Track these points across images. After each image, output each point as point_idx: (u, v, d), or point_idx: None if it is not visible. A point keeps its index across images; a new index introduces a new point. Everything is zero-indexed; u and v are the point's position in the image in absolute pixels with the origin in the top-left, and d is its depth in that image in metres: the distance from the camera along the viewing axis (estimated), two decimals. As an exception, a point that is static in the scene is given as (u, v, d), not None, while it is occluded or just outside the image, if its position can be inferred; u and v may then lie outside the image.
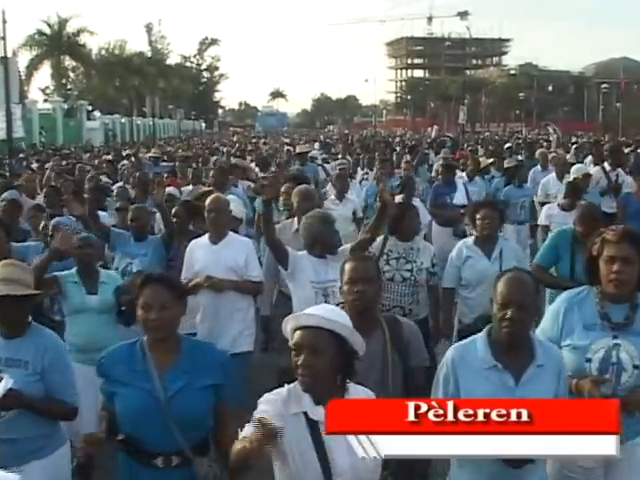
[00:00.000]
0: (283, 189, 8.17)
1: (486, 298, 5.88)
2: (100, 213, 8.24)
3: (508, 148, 21.82)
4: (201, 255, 6.61)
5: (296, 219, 7.17)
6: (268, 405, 3.20)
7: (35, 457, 4.22)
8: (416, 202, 10.14)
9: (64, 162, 20.06)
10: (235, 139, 51.79)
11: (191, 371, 3.71)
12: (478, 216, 6.94)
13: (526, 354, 3.63)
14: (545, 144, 27.82)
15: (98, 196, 9.21)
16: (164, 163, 18.30)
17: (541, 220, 9.76)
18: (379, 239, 6.83)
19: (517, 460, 3.29)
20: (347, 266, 4.20)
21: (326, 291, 5.79)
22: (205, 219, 6.80)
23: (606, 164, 12.23)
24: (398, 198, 9.78)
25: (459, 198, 11.45)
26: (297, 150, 15.98)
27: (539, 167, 14.24)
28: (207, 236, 6.72)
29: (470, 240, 7.14)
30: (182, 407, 3.64)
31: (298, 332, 3.22)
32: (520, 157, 18.00)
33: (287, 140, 41.21)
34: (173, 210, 7.80)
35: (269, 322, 7.74)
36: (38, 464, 4.21)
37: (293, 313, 5.56)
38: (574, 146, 23.19)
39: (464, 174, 12.78)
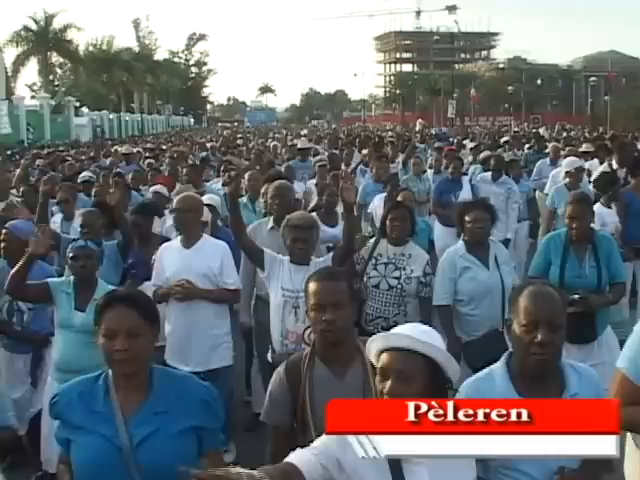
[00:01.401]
0: (263, 189, 7.76)
1: (492, 312, 5.88)
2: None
3: (506, 142, 21.21)
4: (172, 260, 6.04)
5: (271, 217, 6.81)
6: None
7: None
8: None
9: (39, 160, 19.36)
10: (225, 134, 51.68)
11: (165, 412, 3.05)
12: (468, 218, 6.10)
13: (555, 383, 3.13)
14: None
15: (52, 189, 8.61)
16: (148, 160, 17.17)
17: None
18: (371, 241, 6.51)
19: None
20: (311, 287, 3.50)
21: (297, 302, 5.21)
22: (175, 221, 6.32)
23: (614, 162, 11.76)
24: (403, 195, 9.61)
25: (465, 196, 10.69)
26: (299, 146, 15.57)
27: (547, 160, 13.83)
28: (178, 239, 6.21)
29: (461, 247, 6.17)
30: (151, 457, 2.99)
31: (385, 354, 2.78)
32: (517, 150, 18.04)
33: (277, 135, 41.17)
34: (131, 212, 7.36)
35: (249, 331, 7.02)
36: None
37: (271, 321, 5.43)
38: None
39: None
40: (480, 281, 5.95)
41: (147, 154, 19.60)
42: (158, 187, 9.88)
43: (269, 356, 5.41)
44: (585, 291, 5.63)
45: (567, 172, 10.11)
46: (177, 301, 5.92)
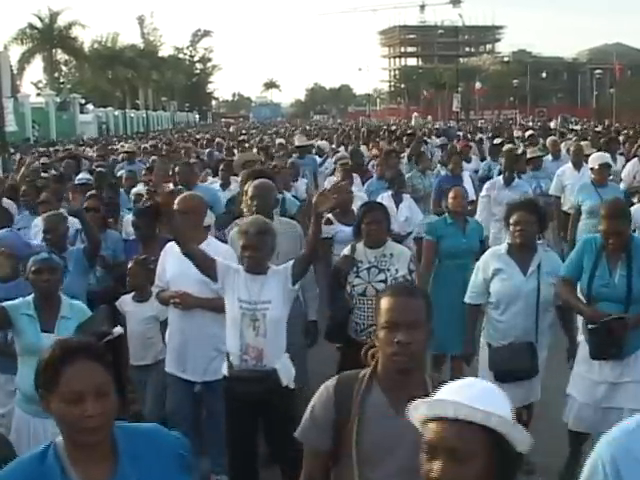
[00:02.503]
0: (245, 187, 6.88)
1: (521, 320, 5.55)
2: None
3: (531, 136, 19.38)
4: (173, 264, 5.61)
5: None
6: None
7: None
8: (407, 199, 9.69)
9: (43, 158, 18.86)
10: (231, 130, 51.72)
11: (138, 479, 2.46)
12: (511, 220, 5.65)
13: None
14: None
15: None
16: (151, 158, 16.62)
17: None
18: (347, 248, 6.11)
19: None
20: (384, 303, 2.95)
21: (255, 314, 4.88)
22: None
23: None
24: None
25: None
26: (297, 143, 15.34)
27: (549, 157, 13.09)
28: None
29: (503, 248, 5.78)
30: None
31: (432, 425, 2.14)
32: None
33: (282, 130, 41.16)
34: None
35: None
36: None
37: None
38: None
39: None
40: (511, 284, 5.56)
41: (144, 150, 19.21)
42: (142, 188, 9.29)
43: (225, 369, 5.03)
44: (613, 303, 5.18)
45: (591, 168, 9.41)
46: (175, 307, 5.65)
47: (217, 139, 25.98)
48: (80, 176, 11.63)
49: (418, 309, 2.95)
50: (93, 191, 9.23)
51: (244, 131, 43.52)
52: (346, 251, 6.05)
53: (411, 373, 2.92)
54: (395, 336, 2.85)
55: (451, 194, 7.37)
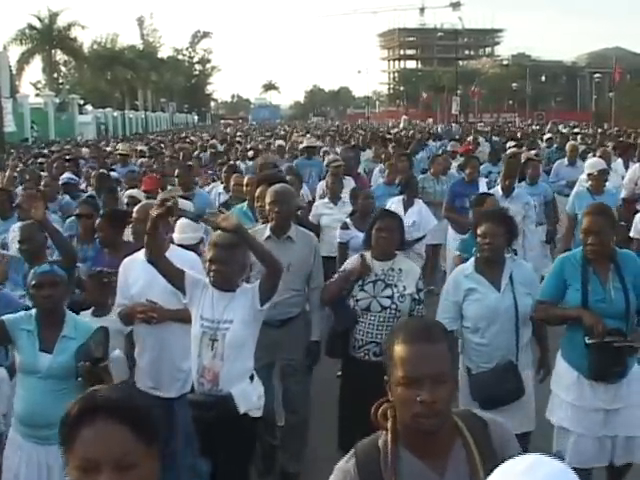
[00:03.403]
0: (257, 193, 6.68)
1: (503, 340, 5.11)
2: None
3: (548, 139, 19.00)
4: (136, 276, 5.24)
5: (268, 226, 5.92)
6: None
7: None
8: (418, 204, 9.47)
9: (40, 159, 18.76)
10: (229, 131, 51.69)
11: None
12: (479, 232, 5.21)
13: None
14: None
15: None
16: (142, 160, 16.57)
17: None
18: (354, 257, 5.76)
19: None
20: (400, 352, 2.41)
21: (215, 334, 4.57)
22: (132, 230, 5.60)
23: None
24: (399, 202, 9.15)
25: None
26: (304, 144, 15.14)
27: (565, 161, 12.68)
28: (143, 251, 5.16)
29: (469, 266, 5.31)
30: None
31: None
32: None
33: (282, 132, 41.14)
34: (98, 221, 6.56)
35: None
36: None
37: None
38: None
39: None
40: (486, 305, 5.10)
41: (141, 153, 18.80)
42: (134, 191, 8.73)
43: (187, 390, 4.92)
44: (611, 319, 4.76)
45: (589, 175, 9.02)
46: (144, 322, 5.25)
47: (211, 141, 25.81)
48: (64, 176, 11.39)
49: (442, 358, 2.40)
50: (89, 194, 9.21)
51: (239, 133, 43.47)
52: (355, 262, 5.64)
53: (439, 430, 2.39)
54: (417, 394, 2.33)
55: (488, 203, 6.92)
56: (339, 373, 5.96)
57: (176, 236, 6.04)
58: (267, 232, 5.84)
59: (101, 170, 12.27)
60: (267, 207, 5.86)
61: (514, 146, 15.42)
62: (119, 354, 5.12)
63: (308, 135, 22.45)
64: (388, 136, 26.64)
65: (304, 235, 6.00)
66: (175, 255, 5.03)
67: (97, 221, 6.60)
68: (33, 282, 4.50)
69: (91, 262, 6.67)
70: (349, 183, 10.36)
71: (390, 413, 2.46)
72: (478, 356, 5.19)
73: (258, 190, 6.65)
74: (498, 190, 8.90)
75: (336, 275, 5.79)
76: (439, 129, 43.86)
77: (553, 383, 5.14)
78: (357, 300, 5.46)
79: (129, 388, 2.21)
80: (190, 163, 13.28)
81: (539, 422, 5.27)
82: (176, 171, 10.02)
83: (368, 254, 5.57)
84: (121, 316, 5.33)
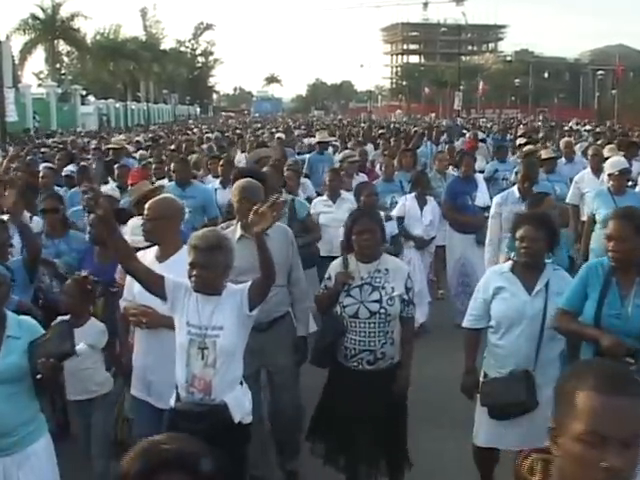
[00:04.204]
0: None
1: (523, 347, 4.75)
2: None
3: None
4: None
5: (239, 224, 5.55)
6: None
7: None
8: (431, 201, 9.27)
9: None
10: (230, 123, 51.73)
11: None
12: (517, 235, 4.92)
13: None
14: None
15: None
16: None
17: None
18: (336, 261, 5.38)
19: None
20: (587, 401, 1.94)
21: (204, 342, 4.31)
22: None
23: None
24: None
25: (481, 198, 9.41)
26: (317, 139, 14.87)
27: (563, 159, 12.16)
28: (156, 249, 5.06)
29: (506, 266, 5.04)
30: None
31: None
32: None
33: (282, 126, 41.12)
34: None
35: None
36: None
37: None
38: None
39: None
40: (513, 305, 4.81)
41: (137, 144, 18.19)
42: (108, 187, 8.42)
43: (172, 402, 4.50)
44: (625, 338, 4.32)
45: (610, 175, 8.38)
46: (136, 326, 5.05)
47: (210, 134, 25.59)
48: (66, 168, 11.27)
49: (638, 417, 1.92)
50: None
51: (239, 125, 43.47)
52: (338, 267, 5.27)
53: None
54: (602, 457, 1.87)
55: (546, 204, 6.57)
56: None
57: (127, 238, 5.47)
58: (238, 232, 5.47)
59: (82, 163, 11.90)
60: (236, 204, 5.56)
61: (526, 143, 14.71)
62: (85, 347, 4.84)
63: (322, 130, 22.02)
64: (381, 131, 26.45)
65: (278, 228, 5.43)
66: (183, 259, 4.59)
67: (91, 217, 6.26)
68: None
69: (77, 256, 6.51)
70: (363, 180, 10.07)
71: (540, 468, 2.08)
72: (495, 359, 4.92)
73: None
74: (514, 192, 8.18)
75: (322, 284, 5.41)
76: (444, 123, 43.68)
77: None
78: (344, 307, 5.12)
79: (187, 438, 1.88)
80: (190, 156, 13.01)
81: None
82: (172, 165, 9.51)
83: (352, 258, 5.22)
84: (124, 312, 5.17)
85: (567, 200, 9.70)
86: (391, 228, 7.79)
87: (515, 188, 8.22)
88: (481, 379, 5.02)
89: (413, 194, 9.24)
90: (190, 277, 4.32)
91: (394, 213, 8.92)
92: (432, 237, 8.91)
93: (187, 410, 4.35)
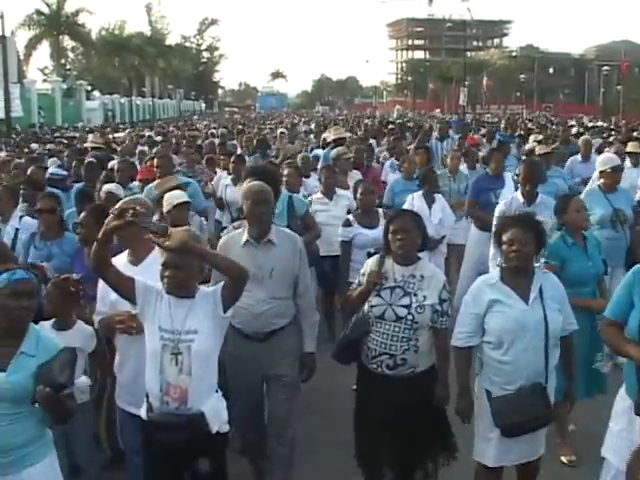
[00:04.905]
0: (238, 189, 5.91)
1: (531, 359, 4.51)
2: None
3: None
4: None
5: (247, 228, 5.24)
6: None
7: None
8: (440, 199, 8.96)
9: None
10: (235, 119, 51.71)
11: None
12: (504, 238, 4.63)
13: None
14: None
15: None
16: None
17: None
18: (373, 258, 5.16)
19: None
20: None
21: (178, 347, 4.08)
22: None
23: None
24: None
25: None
26: (333, 136, 14.19)
27: (579, 157, 11.99)
28: (126, 253, 4.88)
29: (494, 275, 4.77)
30: None
31: None
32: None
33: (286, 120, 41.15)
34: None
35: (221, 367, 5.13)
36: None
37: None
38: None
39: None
40: (512, 317, 4.52)
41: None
42: (112, 186, 7.88)
43: (143, 413, 4.27)
44: None
45: (601, 172, 8.10)
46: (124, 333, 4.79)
47: (221, 130, 25.30)
48: (50, 169, 10.62)
49: None
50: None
51: (241, 120, 43.48)
52: (373, 265, 5.06)
53: None
54: None
55: (573, 206, 6.10)
56: (354, 387, 5.38)
57: None
58: (245, 237, 5.18)
59: (90, 159, 11.17)
60: (245, 208, 5.20)
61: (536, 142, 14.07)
62: (85, 380, 4.55)
63: (336, 126, 21.62)
64: (390, 126, 25.99)
65: (286, 236, 5.31)
66: (157, 262, 4.42)
67: (81, 216, 6.12)
68: (7, 291, 3.76)
69: (69, 259, 6.22)
70: (357, 178, 9.81)
71: None
72: (500, 376, 4.60)
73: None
74: (518, 196, 7.69)
75: (357, 279, 5.22)
76: (453, 118, 43.43)
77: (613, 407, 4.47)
78: (372, 306, 4.94)
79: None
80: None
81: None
82: (155, 161, 8.96)
83: (389, 259, 5.00)
84: (101, 326, 4.91)
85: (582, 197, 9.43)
86: None
87: (519, 193, 7.76)
88: (482, 397, 4.72)
89: (420, 192, 8.94)
90: (162, 278, 4.15)
91: None
92: (442, 236, 8.64)
93: (162, 421, 4.14)
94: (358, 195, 7.77)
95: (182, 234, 4.14)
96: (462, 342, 4.71)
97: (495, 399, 4.59)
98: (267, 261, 5.08)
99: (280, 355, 5.20)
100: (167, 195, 6.79)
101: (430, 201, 8.85)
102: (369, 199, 7.63)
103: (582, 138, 13.66)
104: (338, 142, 12.99)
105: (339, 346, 5.20)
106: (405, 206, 8.62)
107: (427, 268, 5.01)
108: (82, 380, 4.24)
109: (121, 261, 4.67)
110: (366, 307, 5.00)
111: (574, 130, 21.98)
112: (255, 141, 16.03)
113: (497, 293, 4.60)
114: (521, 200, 7.59)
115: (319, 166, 10.68)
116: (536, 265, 4.73)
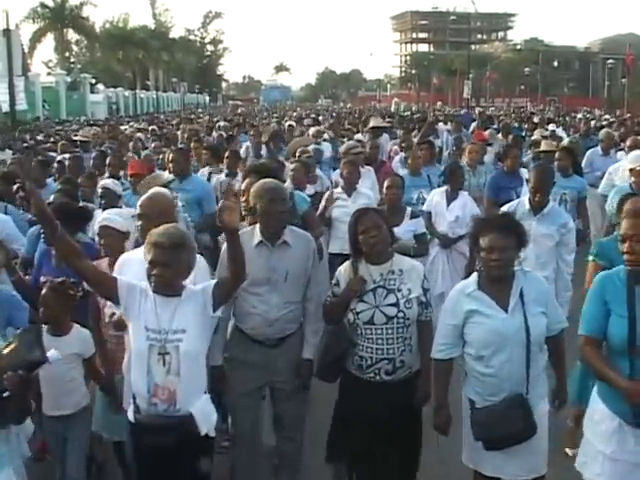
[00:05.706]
0: (244, 186, 5.68)
1: (513, 370, 4.26)
2: None
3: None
4: (134, 275, 4.35)
5: (258, 227, 4.95)
6: None
7: None
8: (463, 196, 8.43)
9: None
10: (239, 112, 51.62)
11: None
12: (482, 244, 4.29)
13: None
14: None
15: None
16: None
17: None
18: (344, 266, 4.89)
19: None
20: None
21: (165, 347, 3.97)
22: None
23: None
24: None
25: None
26: (372, 124, 14.04)
27: (599, 150, 11.66)
28: (142, 249, 4.46)
29: (472, 283, 4.42)
30: None
31: None
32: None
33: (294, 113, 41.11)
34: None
35: (221, 375, 5.06)
36: None
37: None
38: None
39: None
40: (491, 329, 4.26)
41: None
42: (109, 182, 7.55)
43: (130, 415, 4.18)
44: None
45: (631, 170, 7.74)
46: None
47: (223, 123, 24.80)
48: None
49: None
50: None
51: (240, 113, 43.39)
52: (346, 272, 4.81)
53: None
54: None
55: (629, 205, 5.15)
56: None
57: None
58: (257, 237, 4.91)
59: (76, 154, 11.17)
60: (260, 207, 4.87)
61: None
62: (57, 354, 4.29)
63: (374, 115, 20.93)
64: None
65: (300, 237, 5.07)
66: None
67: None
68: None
69: (38, 264, 5.91)
70: (369, 174, 9.61)
71: None
72: (483, 388, 4.37)
73: (245, 183, 5.75)
74: (524, 203, 6.76)
75: (329, 292, 4.96)
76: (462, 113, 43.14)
77: (587, 428, 4.19)
78: (357, 313, 4.68)
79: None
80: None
81: (559, 462, 4.83)
82: (170, 155, 8.77)
83: (362, 262, 4.76)
84: (115, 324, 4.80)
85: (599, 191, 9.35)
86: (416, 226, 7.34)
87: (526, 199, 6.79)
88: (467, 409, 4.48)
89: (443, 188, 8.48)
90: (149, 276, 4.02)
91: (424, 208, 8.39)
92: (459, 235, 8.06)
93: (150, 423, 4.04)
94: (384, 189, 7.43)
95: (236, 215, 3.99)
96: (443, 354, 4.46)
97: (476, 410, 4.38)
98: (282, 264, 4.87)
99: (289, 362, 5.03)
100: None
101: (452, 197, 8.36)
102: (395, 195, 7.30)
103: (603, 131, 13.19)
104: (375, 131, 12.78)
105: (323, 364, 4.89)
106: (427, 201, 8.46)
107: (403, 261, 4.80)
108: (54, 354, 3.98)
109: (136, 256, 4.54)
110: (350, 316, 4.74)
111: (592, 123, 21.71)
112: (268, 135, 15.75)
113: (474, 303, 4.33)
114: (527, 207, 6.67)
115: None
116: (516, 268, 4.36)
